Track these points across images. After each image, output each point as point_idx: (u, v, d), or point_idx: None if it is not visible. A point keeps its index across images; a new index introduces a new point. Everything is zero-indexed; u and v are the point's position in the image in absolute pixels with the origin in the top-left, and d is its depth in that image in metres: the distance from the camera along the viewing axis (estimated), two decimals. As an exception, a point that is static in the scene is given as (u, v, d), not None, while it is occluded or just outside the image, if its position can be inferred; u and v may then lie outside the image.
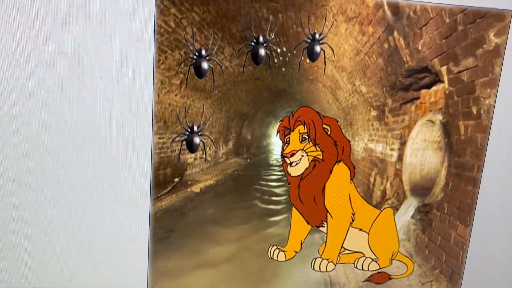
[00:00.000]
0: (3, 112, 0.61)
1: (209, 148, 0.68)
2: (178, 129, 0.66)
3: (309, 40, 0.66)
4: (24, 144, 0.62)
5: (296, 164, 0.69)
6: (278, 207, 0.71)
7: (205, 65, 0.64)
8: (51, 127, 0.62)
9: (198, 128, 0.66)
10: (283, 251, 0.72)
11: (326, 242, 0.73)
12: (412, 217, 0.74)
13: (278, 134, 0.69)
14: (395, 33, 0.67)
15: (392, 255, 0.75)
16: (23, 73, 0.60)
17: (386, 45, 0.67)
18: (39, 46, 0.59)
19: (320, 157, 0.69)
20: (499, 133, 0.71)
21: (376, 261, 0.75)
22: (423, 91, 0.70)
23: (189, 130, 0.66)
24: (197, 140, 0.67)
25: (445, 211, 0.74)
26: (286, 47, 0.66)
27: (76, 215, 0.66)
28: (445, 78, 0.69)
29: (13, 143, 0.62)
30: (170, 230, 0.69)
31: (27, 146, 0.62)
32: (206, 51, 0.63)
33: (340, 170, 0.70)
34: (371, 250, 0.74)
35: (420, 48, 0.68)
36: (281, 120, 0.69)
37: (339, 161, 0.70)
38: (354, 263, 0.75)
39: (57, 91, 0.61)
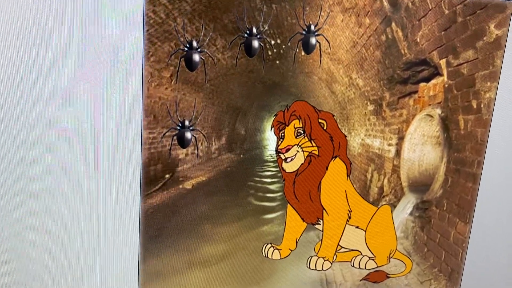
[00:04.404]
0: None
1: (201, 144, 0.67)
2: (169, 123, 0.64)
3: (304, 32, 0.64)
4: (14, 141, 0.61)
5: (291, 160, 0.68)
6: (273, 204, 0.70)
7: (196, 57, 0.62)
8: (38, 122, 0.61)
9: (189, 122, 0.65)
10: (278, 249, 0.71)
11: (322, 240, 0.71)
12: (411, 214, 0.73)
13: (273, 129, 0.68)
14: (393, 24, 0.65)
15: (390, 253, 0.74)
16: (11, 68, 0.58)
17: (383, 37, 0.66)
18: (24, 38, 0.58)
19: (316, 152, 0.68)
20: (499, 128, 0.70)
21: (373, 260, 0.73)
22: (422, 84, 0.68)
23: (180, 125, 0.64)
24: (188, 135, 0.65)
25: (444, 208, 0.73)
26: (281, 39, 0.64)
27: (64, 213, 0.64)
28: (444, 71, 0.68)
29: (4, 141, 0.61)
30: (161, 228, 0.67)
31: (16, 143, 0.61)
32: (197, 42, 0.62)
33: (336, 166, 0.69)
34: (368, 248, 0.73)
35: (418, 40, 0.66)
36: (275, 115, 0.67)
37: (335, 157, 0.69)
38: (350, 262, 0.73)
39: (42, 85, 0.59)
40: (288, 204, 0.70)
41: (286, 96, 0.67)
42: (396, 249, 0.74)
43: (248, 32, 0.63)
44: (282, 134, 0.68)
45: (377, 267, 0.74)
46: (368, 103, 0.69)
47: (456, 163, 0.71)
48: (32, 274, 0.66)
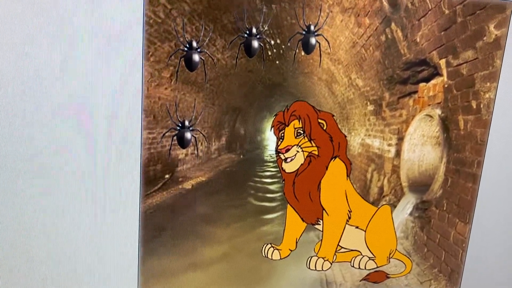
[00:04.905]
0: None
1: (201, 144, 0.67)
2: (169, 124, 0.64)
3: (304, 32, 0.64)
4: (15, 140, 0.61)
5: (291, 160, 0.68)
6: (273, 204, 0.70)
7: (196, 57, 0.62)
8: (38, 122, 0.60)
9: (189, 123, 0.65)
10: (277, 249, 0.71)
11: (322, 240, 0.71)
12: (410, 214, 0.73)
13: (273, 129, 0.68)
14: (393, 24, 0.65)
15: (390, 254, 0.73)
16: (11, 70, 0.58)
17: (383, 37, 0.66)
18: (26, 41, 0.58)
19: (316, 152, 0.68)
20: (499, 128, 0.70)
21: (373, 260, 0.73)
22: (421, 84, 0.68)
23: (180, 125, 0.64)
24: (188, 135, 0.65)
25: (444, 208, 0.72)
26: (280, 39, 0.64)
27: (64, 213, 0.64)
28: (444, 71, 0.68)
29: (5, 141, 0.60)
30: (161, 228, 0.67)
31: (16, 143, 0.61)
32: (197, 42, 0.62)
33: (336, 166, 0.69)
34: (368, 249, 0.73)
35: (418, 40, 0.66)
36: (275, 115, 0.67)
37: (335, 157, 0.69)
38: (350, 262, 0.73)
39: (43, 85, 0.59)
40: (288, 204, 0.70)
41: (286, 96, 0.67)
42: (396, 249, 0.73)
43: (248, 32, 0.63)
44: (282, 134, 0.67)
45: (377, 267, 0.74)
46: (368, 103, 0.69)
47: (456, 163, 0.71)
48: (32, 274, 0.66)
